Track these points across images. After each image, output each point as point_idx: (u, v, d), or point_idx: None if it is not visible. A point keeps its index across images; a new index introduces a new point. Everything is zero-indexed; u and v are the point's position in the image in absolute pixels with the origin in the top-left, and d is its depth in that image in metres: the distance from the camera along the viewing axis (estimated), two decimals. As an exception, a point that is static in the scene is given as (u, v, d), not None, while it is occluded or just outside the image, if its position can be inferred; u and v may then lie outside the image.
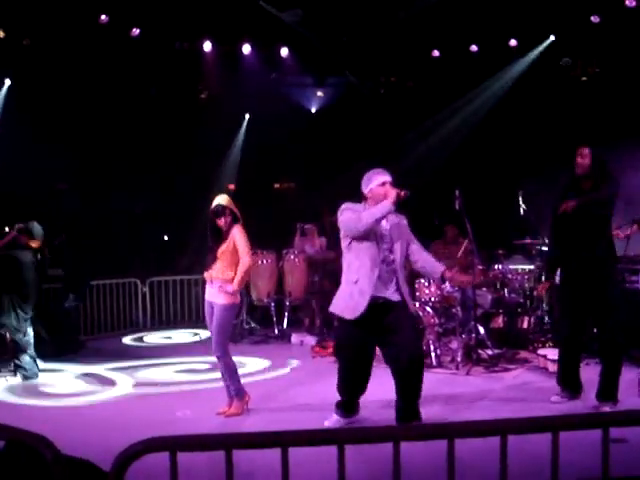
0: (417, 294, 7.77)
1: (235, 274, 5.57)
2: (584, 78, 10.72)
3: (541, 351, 7.23)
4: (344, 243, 5.07)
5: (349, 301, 4.98)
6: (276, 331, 9.65)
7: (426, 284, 7.76)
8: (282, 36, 9.99)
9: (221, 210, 5.63)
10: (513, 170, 10.32)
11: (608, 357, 5.56)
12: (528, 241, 8.42)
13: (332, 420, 5.22)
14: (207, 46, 10.34)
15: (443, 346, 7.54)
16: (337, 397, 5.23)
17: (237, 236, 5.61)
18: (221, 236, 5.63)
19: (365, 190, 5.09)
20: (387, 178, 5.06)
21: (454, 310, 7.65)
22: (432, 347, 7.32)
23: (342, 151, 11.60)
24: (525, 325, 8.33)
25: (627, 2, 8.26)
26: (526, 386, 6.51)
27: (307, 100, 12.00)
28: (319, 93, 11.89)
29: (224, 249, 5.60)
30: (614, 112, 9.80)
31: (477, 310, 8.08)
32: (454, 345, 7.40)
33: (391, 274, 5.01)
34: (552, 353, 6.87)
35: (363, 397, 5.25)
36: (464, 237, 8.05)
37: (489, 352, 7.50)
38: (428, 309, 7.60)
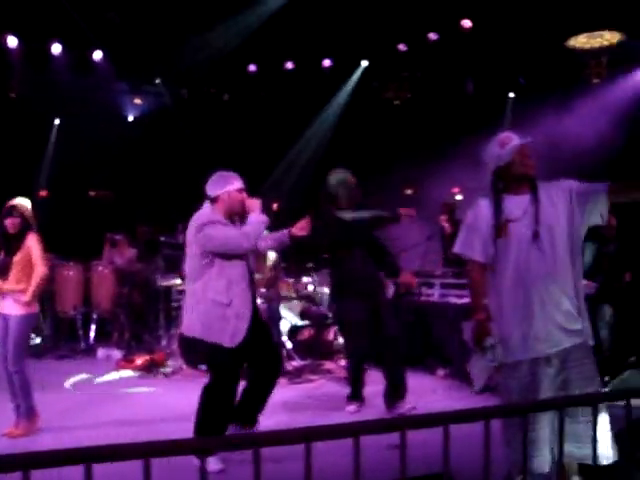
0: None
1: (25, 285, 5.24)
2: (397, 102, 11.24)
3: (343, 362, 7.35)
4: (203, 260, 4.41)
5: (225, 325, 4.37)
6: (82, 345, 9.21)
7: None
8: (97, 39, 9.61)
9: (9, 210, 5.27)
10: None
11: (392, 365, 5.86)
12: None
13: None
14: (12, 41, 9.73)
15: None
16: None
17: (33, 245, 5.27)
18: (12, 244, 5.26)
19: (217, 192, 4.51)
20: (242, 185, 4.60)
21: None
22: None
23: (161, 161, 11.39)
24: (331, 337, 8.54)
25: (431, 35, 8.84)
26: (325, 395, 6.65)
27: (124, 107, 11.66)
28: (137, 100, 11.59)
29: (18, 259, 5.24)
30: (425, 134, 10.41)
31: (284, 323, 8.22)
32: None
33: (253, 290, 4.65)
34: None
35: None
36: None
37: (294, 364, 7.61)
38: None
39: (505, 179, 3.39)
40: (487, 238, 3.35)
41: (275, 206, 4.65)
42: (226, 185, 4.53)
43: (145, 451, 1.77)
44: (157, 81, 10.93)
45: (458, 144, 9.00)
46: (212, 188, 4.56)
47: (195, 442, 1.88)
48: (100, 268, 9.51)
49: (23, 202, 5.39)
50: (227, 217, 4.54)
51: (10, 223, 5.25)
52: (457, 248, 3.52)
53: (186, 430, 4.41)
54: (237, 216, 4.60)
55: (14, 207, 5.30)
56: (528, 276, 3.24)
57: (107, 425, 5.49)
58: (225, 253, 4.41)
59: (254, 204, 4.55)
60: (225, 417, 4.52)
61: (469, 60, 9.63)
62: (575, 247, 3.33)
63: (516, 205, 3.33)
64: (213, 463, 4.22)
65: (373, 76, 10.60)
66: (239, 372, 4.57)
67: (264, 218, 4.54)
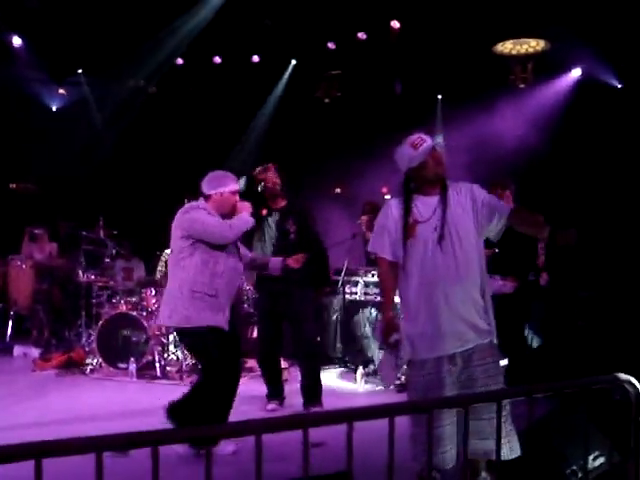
0: (143, 304, 7.58)
1: None
2: (327, 100, 11.24)
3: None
4: (185, 243, 4.52)
5: (217, 311, 4.52)
6: (-2, 343, 8.91)
7: (152, 293, 7.59)
8: (15, 24, 9.26)
9: None
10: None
11: (307, 365, 5.91)
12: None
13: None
14: None
15: (168, 357, 7.42)
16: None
17: None
18: None
19: (212, 191, 4.65)
20: (237, 188, 4.76)
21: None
22: (157, 358, 7.17)
23: (86, 153, 11.06)
24: (255, 335, 8.48)
25: (359, 35, 8.90)
26: (245, 394, 6.58)
27: (47, 97, 11.29)
28: (61, 91, 11.25)
29: None
30: (355, 133, 10.46)
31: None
32: (180, 354, 7.31)
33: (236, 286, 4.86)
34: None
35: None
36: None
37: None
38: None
39: (417, 180, 3.43)
40: (396, 238, 3.39)
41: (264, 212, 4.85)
42: (220, 186, 4.67)
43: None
44: (79, 71, 10.60)
45: (388, 144, 9.06)
46: (207, 186, 4.70)
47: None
48: (18, 263, 9.20)
49: None
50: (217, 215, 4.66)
51: None
52: (370, 247, 3.58)
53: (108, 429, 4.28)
54: (227, 217, 4.66)
55: None
56: (434, 276, 3.28)
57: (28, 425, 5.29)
58: (207, 240, 4.49)
59: (245, 207, 4.70)
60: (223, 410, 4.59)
61: (398, 61, 9.71)
62: (480, 249, 3.39)
63: (426, 206, 3.38)
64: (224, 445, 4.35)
65: (303, 74, 10.55)
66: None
67: (251, 219, 4.71)
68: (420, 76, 9.94)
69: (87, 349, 7.81)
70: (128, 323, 7.32)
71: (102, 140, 11.12)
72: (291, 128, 10.84)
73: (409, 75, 10.08)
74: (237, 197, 4.74)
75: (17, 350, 8.59)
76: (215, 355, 4.53)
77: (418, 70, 9.77)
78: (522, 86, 10.15)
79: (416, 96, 10.23)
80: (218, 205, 4.65)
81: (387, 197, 10.15)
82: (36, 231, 9.44)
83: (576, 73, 9.90)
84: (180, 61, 10.15)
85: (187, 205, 4.74)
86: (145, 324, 7.23)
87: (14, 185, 12.60)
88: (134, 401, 6.28)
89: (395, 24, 9.22)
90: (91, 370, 7.39)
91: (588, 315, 7.11)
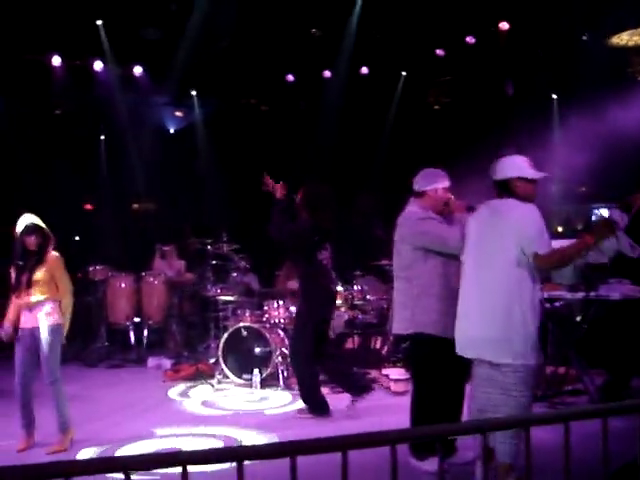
0: (266, 316, 7.77)
1: (50, 295, 5.30)
2: (437, 107, 11.19)
3: (385, 371, 7.31)
4: (417, 254, 4.49)
5: (449, 319, 4.25)
6: (134, 355, 9.36)
7: (275, 306, 7.77)
8: (136, 54, 9.76)
9: (32, 228, 5.29)
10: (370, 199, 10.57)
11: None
12: (384, 262, 8.60)
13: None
14: (56, 60, 9.95)
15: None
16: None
17: (56, 268, 5.33)
18: (33, 261, 5.28)
19: (425, 188, 4.60)
20: (449, 184, 4.66)
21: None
22: (279, 369, 7.33)
23: (202, 171, 11.51)
24: (378, 345, 8.49)
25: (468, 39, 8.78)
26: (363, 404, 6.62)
27: (165, 120, 11.84)
28: (178, 113, 11.76)
29: (41, 277, 5.27)
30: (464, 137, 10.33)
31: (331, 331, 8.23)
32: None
33: None
34: (395, 372, 7.06)
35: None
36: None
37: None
38: (278, 331, 7.62)
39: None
40: None
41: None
42: (434, 182, 4.60)
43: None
44: (193, 93, 11.01)
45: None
46: (421, 183, 4.64)
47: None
48: (151, 279, 9.62)
49: (35, 218, 5.35)
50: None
51: (34, 242, 5.28)
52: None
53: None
54: (440, 214, 4.60)
55: (34, 224, 5.30)
56: None
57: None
58: (440, 250, 4.43)
59: (458, 205, 4.57)
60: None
61: (508, 62, 9.52)
62: None
63: None
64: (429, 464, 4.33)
65: (413, 83, 10.53)
66: None
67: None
68: (532, 76, 9.70)
69: (214, 361, 8.05)
70: (251, 335, 7.53)
71: (218, 156, 11.45)
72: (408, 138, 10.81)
73: (521, 75, 9.86)
74: (449, 194, 4.63)
75: (151, 362, 8.96)
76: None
77: (530, 70, 9.53)
78: (641, 78, 9.71)
79: (529, 97, 9.99)
80: (433, 202, 4.59)
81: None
82: (165, 248, 9.86)
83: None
84: (291, 77, 10.33)
85: (414, 214, 4.57)
86: (268, 336, 7.41)
87: (137, 205, 13.30)
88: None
89: (504, 25, 9.04)
90: (218, 381, 7.63)
91: None
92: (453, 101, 11.06)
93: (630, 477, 2.49)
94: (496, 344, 3.68)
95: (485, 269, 3.79)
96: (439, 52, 9.12)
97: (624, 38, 9.52)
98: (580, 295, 6.14)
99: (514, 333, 3.63)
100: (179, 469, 1.76)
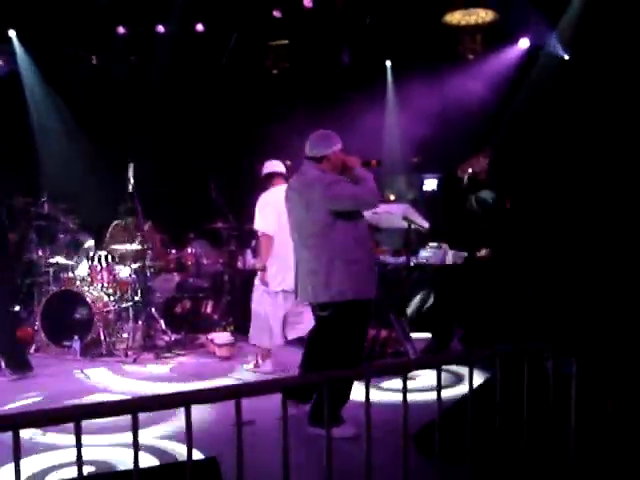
0: (89, 278, 7.42)
1: None
2: (275, 71, 11.04)
3: (210, 335, 7.18)
4: (330, 218, 4.37)
5: (368, 277, 4.48)
6: None
7: (98, 268, 7.43)
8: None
9: None
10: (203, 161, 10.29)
11: None
12: (219, 225, 8.43)
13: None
14: None
15: (116, 333, 7.29)
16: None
17: None
18: None
19: (324, 152, 4.46)
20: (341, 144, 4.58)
21: (128, 296, 7.43)
22: (102, 334, 7.03)
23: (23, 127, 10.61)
24: (209, 310, 8.36)
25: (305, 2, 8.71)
26: (184, 369, 6.55)
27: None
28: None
29: None
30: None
31: (161, 295, 8.01)
32: (126, 332, 7.19)
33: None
34: (219, 337, 6.98)
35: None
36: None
37: (166, 338, 7.40)
38: (100, 294, 7.29)
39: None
40: None
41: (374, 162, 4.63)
42: (332, 145, 4.50)
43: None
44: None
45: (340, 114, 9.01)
46: (319, 148, 4.50)
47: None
48: None
49: None
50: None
51: None
52: None
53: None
54: (341, 174, 4.51)
55: None
56: None
57: None
58: (365, 209, 4.50)
59: (354, 161, 4.52)
60: None
61: (345, 30, 9.57)
62: None
63: None
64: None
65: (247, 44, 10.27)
66: None
67: (369, 174, 4.50)
68: (368, 45, 9.81)
69: (34, 327, 7.56)
70: (72, 299, 7.14)
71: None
72: (238, 99, 10.62)
73: (357, 44, 9.96)
74: (343, 154, 4.57)
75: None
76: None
77: (366, 39, 9.64)
78: (471, 57, 10.10)
79: (365, 65, 10.11)
80: (334, 164, 4.49)
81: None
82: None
83: (524, 44, 9.85)
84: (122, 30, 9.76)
85: (322, 178, 4.42)
86: (89, 300, 7.06)
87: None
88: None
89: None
90: (36, 349, 7.18)
91: (537, 283, 7.19)
92: (292, 67, 10.97)
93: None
94: None
95: None
96: (276, 13, 8.97)
97: (456, 17, 9.83)
98: (402, 260, 6.35)
99: None
100: None
